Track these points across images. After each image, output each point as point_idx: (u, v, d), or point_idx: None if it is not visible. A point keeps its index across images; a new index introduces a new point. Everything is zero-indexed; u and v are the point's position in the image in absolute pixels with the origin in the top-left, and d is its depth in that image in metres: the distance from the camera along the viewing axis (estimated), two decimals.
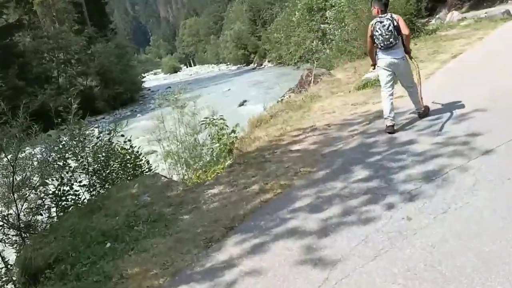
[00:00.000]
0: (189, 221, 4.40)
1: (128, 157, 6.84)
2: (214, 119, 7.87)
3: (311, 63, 32.84)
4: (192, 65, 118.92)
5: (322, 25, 29.63)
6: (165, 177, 5.98)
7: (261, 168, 5.44)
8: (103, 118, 36.53)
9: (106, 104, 39.25)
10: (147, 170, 7.14)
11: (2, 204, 5.69)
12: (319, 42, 30.64)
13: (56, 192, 6.13)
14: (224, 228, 3.98)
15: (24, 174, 5.69)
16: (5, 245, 5.62)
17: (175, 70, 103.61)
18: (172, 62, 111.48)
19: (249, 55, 71.73)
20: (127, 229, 4.51)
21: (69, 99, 6.19)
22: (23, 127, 5.64)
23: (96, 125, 33.44)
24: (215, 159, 8.28)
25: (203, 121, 7.96)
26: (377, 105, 6.94)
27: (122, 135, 6.53)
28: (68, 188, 6.18)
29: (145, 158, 7.16)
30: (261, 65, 63.90)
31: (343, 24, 22.95)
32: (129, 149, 6.95)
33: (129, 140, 6.98)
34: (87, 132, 6.04)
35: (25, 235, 5.62)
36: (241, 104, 29.40)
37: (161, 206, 4.88)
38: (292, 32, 35.50)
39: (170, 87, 54.78)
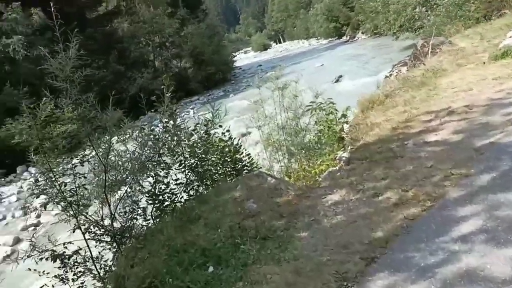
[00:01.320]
0: (308, 242, 3.44)
1: (227, 149, 6.04)
2: (321, 103, 6.78)
3: (412, 32, 30.15)
4: (282, 41, 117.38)
5: None
6: (272, 176, 5.08)
7: (391, 166, 4.31)
8: (197, 99, 36.99)
9: (199, 85, 39.80)
10: (248, 164, 6.30)
11: (96, 205, 5.18)
12: (422, 8, 27.98)
13: (152, 190, 5.51)
14: (361, 259, 2.96)
15: (116, 173, 5.11)
16: (101, 249, 5.12)
17: (265, 47, 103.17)
18: (261, 39, 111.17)
19: (340, 28, 68.96)
20: (232, 247, 3.67)
21: (161, 86, 5.48)
22: (113, 120, 5.01)
23: (191, 107, 34.11)
24: (322, 148, 7.26)
25: (309, 105, 6.91)
26: None
27: (220, 126, 5.70)
28: (164, 186, 5.54)
29: (245, 150, 6.32)
30: (354, 37, 61.04)
31: None
32: (228, 140, 6.14)
33: (228, 131, 6.17)
34: (182, 126, 5.28)
35: (120, 241, 5.07)
36: (337, 80, 27.76)
37: (270, 217, 3.99)
38: (390, 0, 32.87)
39: (261, 65, 54.47)
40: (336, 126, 7.00)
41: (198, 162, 5.64)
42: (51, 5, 4.91)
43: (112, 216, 5.18)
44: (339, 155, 5.80)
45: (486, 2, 15.94)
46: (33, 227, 12.03)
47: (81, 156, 5.11)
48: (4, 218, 14.77)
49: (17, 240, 11.71)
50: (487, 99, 5.58)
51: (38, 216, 12.13)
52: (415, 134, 5.05)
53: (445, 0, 21.22)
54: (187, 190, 5.52)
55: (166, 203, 5.57)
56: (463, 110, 5.40)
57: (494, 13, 15.04)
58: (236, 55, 59.49)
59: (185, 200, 5.56)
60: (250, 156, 6.37)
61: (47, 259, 4.53)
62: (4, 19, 25.96)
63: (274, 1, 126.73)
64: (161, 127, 5.39)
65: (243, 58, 77.07)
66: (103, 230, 5.05)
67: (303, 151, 7.65)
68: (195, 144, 5.49)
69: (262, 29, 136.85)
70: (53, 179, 4.68)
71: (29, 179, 19.36)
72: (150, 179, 5.54)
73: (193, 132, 5.53)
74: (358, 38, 58.28)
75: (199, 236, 3.97)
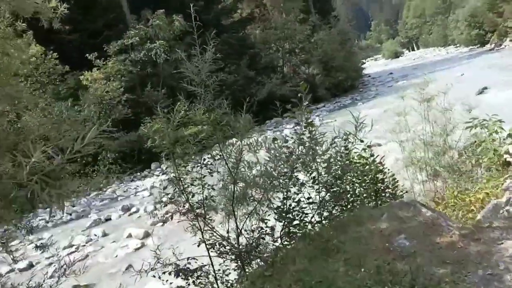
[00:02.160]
0: None
1: (368, 168, 5.30)
2: (485, 120, 5.68)
3: None
4: (416, 49, 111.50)
5: None
6: (427, 207, 4.22)
7: None
8: (323, 106, 36.36)
9: (327, 92, 39.20)
10: (390, 185, 5.48)
11: (223, 218, 4.83)
12: None
13: (282, 207, 5.01)
14: None
15: (245, 186, 4.70)
16: (225, 267, 4.75)
17: (397, 55, 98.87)
18: (393, 46, 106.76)
19: (484, 35, 62.87)
20: None
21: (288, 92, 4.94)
22: (246, 129, 4.60)
23: (317, 114, 33.63)
24: (479, 173, 6.13)
25: (469, 122, 5.85)
26: None
27: (362, 141, 4.97)
28: (294, 204, 5.00)
29: (390, 170, 5.51)
30: (500, 45, 55.01)
31: None
32: (369, 158, 5.40)
33: (369, 147, 5.42)
34: (319, 139, 4.67)
35: (246, 261, 4.64)
36: (480, 92, 24.94)
37: (430, 262, 3.18)
38: None
39: (392, 73, 51.95)
40: (501, 147, 5.82)
41: (334, 180, 5.00)
42: (191, 10, 4.74)
43: (239, 231, 4.79)
44: (506, 184, 4.70)
45: None
46: (161, 224, 12.45)
47: (210, 157, 4.82)
48: (137, 211, 15.72)
49: (147, 234, 12.23)
50: None
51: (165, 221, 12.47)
52: None
53: None
54: (320, 211, 4.91)
55: (295, 222, 5.03)
56: None
57: None
58: (365, 62, 57.58)
59: (317, 221, 4.95)
60: (395, 178, 5.54)
61: (170, 273, 4.28)
62: (150, 25, 28.12)
63: (410, 6, 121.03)
64: (296, 138, 4.85)
65: (373, 66, 74.51)
66: (228, 247, 4.67)
67: (453, 174, 6.58)
68: (332, 160, 4.85)
69: (394, 36, 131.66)
70: (182, 188, 4.43)
71: (161, 175, 20.61)
72: (279, 194, 5.05)
73: (330, 146, 4.89)
74: (506, 46, 52.42)
75: (337, 273, 3.32)
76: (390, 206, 4.43)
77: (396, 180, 5.59)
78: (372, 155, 5.44)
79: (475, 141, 6.20)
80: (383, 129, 8.55)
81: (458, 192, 6.00)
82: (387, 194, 5.35)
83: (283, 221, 4.99)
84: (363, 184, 5.26)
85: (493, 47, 56.22)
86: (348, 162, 4.99)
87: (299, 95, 4.88)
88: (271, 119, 32.18)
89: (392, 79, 45.12)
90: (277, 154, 4.59)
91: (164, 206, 4.60)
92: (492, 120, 6.00)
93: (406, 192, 6.02)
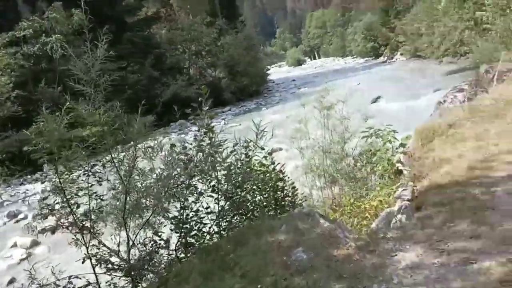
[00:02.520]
0: None
1: (268, 176, 5.20)
2: (380, 130, 5.91)
3: (458, 57, 28.87)
4: (317, 57, 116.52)
5: (477, 13, 25.66)
6: (326, 218, 4.19)
7: (481, 221, 3.40)
8: (229, 109, 36.45)
9: (232, 96, 39.39)
10: (290, 193, 5.44)
11: (113, 231, 4.42)
12: (472, 32, 26.77)
13: (179, 217, 4.71)
14: None
15: (139, 196, 4.34)
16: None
17: (300, 62, 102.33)
18: (296, 54, 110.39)
19: (378, 48, 67.58)
20: None
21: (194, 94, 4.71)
22: (140, 135, 4.25)
23: (222, 117, 33.56)
24: (373, 180, 6.37)
25: (365, 132, 6.04)
26: None
27: (262, 148, 4.87)
28: (192, 213, 4.73)
29: (289, 178, 5.48)
30: (392, 58, 59.50)
31: (507, 10, 19.31)
32: (269, 165, 5.31)
33: (270, 154, 5.35)
34: (220, 146, 4.46)
35: (137, 277, 4.28)
36: (374, 101, 26.64)
37: (327, 277, 3.11)
38: (436, 22, 31.75)
39: (294, 80, 53.66)
40: (393, 156, 6.09)
41: (234, 189, 4.82)
42: (82, 4, 4.34)
43: (131, 244, 4.41)
44: (398, 193, 4.88)
45: None
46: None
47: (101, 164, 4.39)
48: (26, 217, 14.36)
49: (35, 243, 11.18)
50: None
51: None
52: (502, 179, 4.09)
53: (498, 25, 19.99)
54: (219, 222, 4.70)
55: (193, 232, 4.76)
56: None
57: None
58: (270, 68, 58.90)
59: (215, 232, 4.73)
60: (295, 187, 5.52)
61: None
62: (46, 17, 26.12)
63: (312, 17, 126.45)
64: (195, 145, 4.60)
65: (277, 72, 76.47)
66: (118, 262, 4.27)
67: (350, 181, 6.78)
68: (232, 168, 4.67)
69: (298, 44, 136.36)
70: (65, 199, 3.97)
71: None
72: (177, 203, 4.76)
73: (231, 154, 4.71)
74: (397, 59, 56.76)
75: None
76: (289, 216, 4.35)
77: (295, 189, 5.58)
78: (273, 163, 5.37)
79: (371, 150, 6.44)
80: (285, 135, 8.64)
81: (354, 199, 6.17)
82: (287, 202, 5.31)
83: (180, 232, 4.70)
84: (263, 193, 5.16)
85: (385, 60, 60.55)
86: (248, 170, 4.85)
87: (199, 99, 4.65)
88: (176, 121, 31.50)
89: (295, 86, 46.63)
90: (174, 162, 4.30)
91: (44, 219, 4.07)
92: (386, 130, 6.29)
93: (306, 199, 6.05)
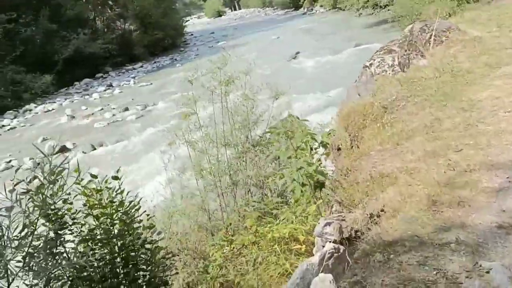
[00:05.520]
0: None
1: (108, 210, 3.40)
2: (287, 129, 4.47)
3: (378, 9, 28.23)
4: (237, 8, 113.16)
5: None
6: None
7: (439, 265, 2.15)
8: (141, 66, 33.81)
9: (145, 51, 36.59)
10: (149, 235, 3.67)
11: None
12: None
13: None
14: None
15: None
16: None
17: (220, 14, 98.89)
18: (216, 5, 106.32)
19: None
20: None
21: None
22: None
23: (132, 75, 30.81)
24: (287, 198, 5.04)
25: (272, 128, 4.61)
26: None
27: (116, 177, 3.24)
28: None
29: (147, 213, 3.74)
30: (312, 9, 58.73)
31: None
32: (115, 189, 3.48)
33: (117, 174, 3.52)
34: None
35: None
36: (294, 57, 25.50)
37: None
38: None
39: (213, 33, 51.22)
40: (310, 164, 4.55)
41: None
42: None
43: None
44: (318, 228, 3.43)
45: None
46: None
47: None
48: None
49: None
50: None
51: None
52: (488, 229, 2.69)
53: None
54: None
55: None
56: None
57: None
58: (188, 20, 55.65)
59: None
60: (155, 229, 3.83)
61: None
62: None
63: None
64: None
65: (196, 24, 73.06)
66: None
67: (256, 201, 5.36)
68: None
69: None
70: None
71: None
72: None
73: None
74: (316, 11, 56.02)
75: None
76: None
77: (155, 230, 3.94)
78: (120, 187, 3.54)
79: (278, 154, 4.93)
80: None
81: (257, 223, 4.80)
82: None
83: None
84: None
85: (305, 11, 59.69)
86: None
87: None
88: (80, 80, 28.41)
89: (214, 39, 44.43)
90: None
91: None
92: (300, 126, 4.70)
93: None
